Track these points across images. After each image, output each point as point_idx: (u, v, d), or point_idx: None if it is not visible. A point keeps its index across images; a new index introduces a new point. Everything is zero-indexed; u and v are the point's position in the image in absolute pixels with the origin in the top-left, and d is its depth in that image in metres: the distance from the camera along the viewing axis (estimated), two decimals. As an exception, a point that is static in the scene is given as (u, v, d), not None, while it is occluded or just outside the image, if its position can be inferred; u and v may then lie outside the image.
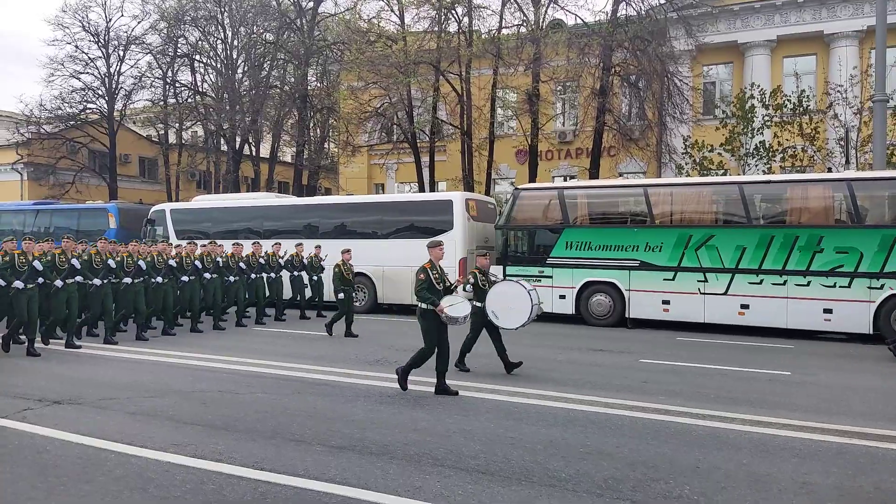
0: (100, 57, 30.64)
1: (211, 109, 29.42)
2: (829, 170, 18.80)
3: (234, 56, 29.89)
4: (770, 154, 19.46)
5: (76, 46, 30.17)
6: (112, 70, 30.74)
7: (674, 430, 6.10)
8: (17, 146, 30.36)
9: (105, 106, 30.88)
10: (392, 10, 24.28)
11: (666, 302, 13.77)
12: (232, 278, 13.99)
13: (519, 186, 16.86)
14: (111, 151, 30.76)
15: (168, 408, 6.87)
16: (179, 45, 30.81)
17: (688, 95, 21.28)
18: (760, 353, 10.92)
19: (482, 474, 4.87)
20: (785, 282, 12.76)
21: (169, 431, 5.97)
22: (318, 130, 29.56)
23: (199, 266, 13.28)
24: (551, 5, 21.87)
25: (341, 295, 12.47)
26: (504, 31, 22.57)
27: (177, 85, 31.71)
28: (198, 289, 13.32)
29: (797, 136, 19.23)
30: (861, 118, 18.96)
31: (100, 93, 30.88)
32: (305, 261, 15.72)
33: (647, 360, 10.03)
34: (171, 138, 33.26)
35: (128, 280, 11.85)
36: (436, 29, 22.46)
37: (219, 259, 13.83)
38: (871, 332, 12.11)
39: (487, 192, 23.05)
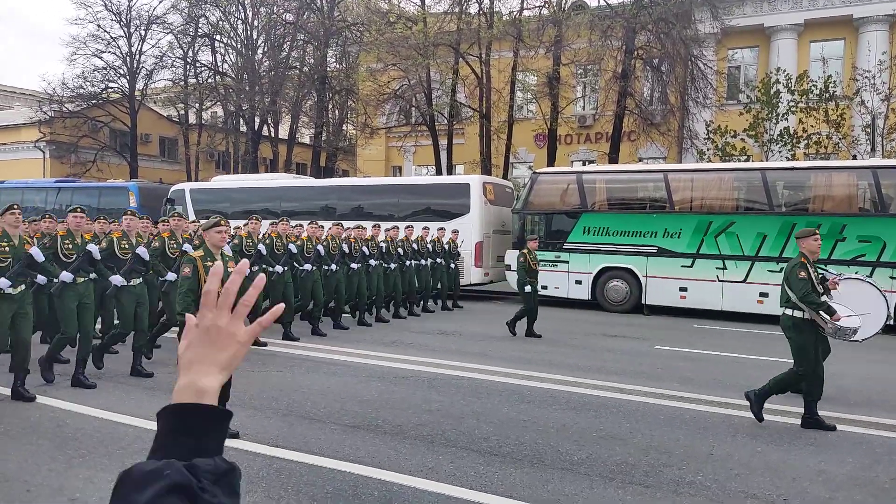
0: (121, 36, 30.79)
1: (231, 90, 29.48)
2: (855, 157, 18.45)
3: (255, 36, 29.88)
4: (794, 140, 19.13)
5: (98, 25, 30.29)
6: (133, 49, 30.86)
7: (688, 417, 6.07)
8: (40, 124, 30.70)
9: (126, 85, 31.05)
10: (413, -9, 24.13)
11: (683, 289, 13.65)
12: (392, 265, 12.61)
13: (537, 170, 16.74)
14: (132, 131, 30.98)
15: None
16: (200, 25, 30.86)
17: (711, 80, 20.92)
18: (779, 342, 10.75)
19: (494, 456, 4.88)
20: (806, 270, 12.57)
21: (185, 407, 6.04)
22: (337, 112, 29.52)
23: (367, 252, 12.06)
24: (574, -14, 21.61)
25: (527, 288, 10.68)
26: (525, 13, 22.33)
27: (197, 65, 31.79)
28: (364, 278, 11.92)
29: (822, 122, 18.86)
30: (888, 105, 18.55)
31: (121, 72, 31.04)
32: (446, 246, 14.23)
33: (663, 347, 9.97)
34: (192, 118, 33.43)
35: (307, 267, 10.63)
36: (456, 10, 22.27)
37: (382, 245, 12.54)
38: (894, 322, 11.93)
39: (505, 176, 22.91)
